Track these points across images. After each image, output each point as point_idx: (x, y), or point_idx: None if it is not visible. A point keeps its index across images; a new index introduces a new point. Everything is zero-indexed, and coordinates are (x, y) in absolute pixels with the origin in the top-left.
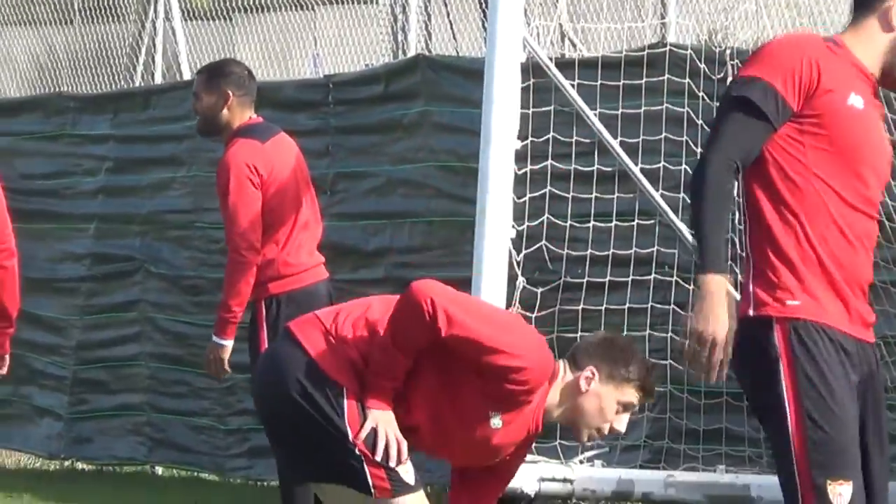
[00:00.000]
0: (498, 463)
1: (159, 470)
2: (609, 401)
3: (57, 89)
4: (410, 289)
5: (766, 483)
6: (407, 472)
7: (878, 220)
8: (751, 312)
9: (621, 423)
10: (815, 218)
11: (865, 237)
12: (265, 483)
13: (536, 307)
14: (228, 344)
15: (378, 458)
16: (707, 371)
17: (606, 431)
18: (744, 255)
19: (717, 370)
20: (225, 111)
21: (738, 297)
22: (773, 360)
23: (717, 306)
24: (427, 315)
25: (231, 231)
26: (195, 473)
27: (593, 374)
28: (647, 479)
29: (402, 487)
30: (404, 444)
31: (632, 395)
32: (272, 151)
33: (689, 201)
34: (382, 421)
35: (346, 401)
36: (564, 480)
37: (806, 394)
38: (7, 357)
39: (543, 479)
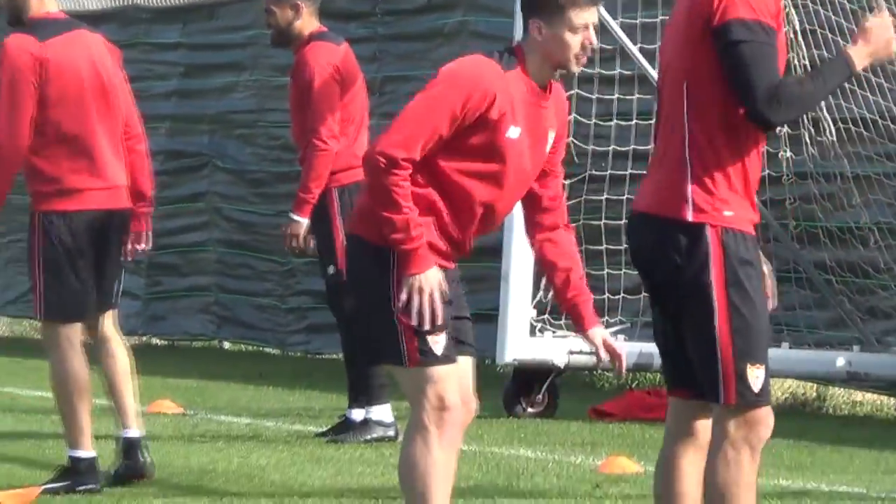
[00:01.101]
0: (546, 176)
1: (227, 345)
2: (563, 32)
3: (132, 2)
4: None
5: (771, 355)
6: (436, 343)
7: None
8: (689, 217)
9: (590, 38)
10: (747, 135)
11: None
12: (322, 356)
13: (565, 196)
14: (305, 221)
15: (413, 323)
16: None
17: (586, 52)
18: (673, 154)
19: None
20: (298, 21)
21: None
22: (704, 258)
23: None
24: (380, 165)
25: (315, 122)
26: (259, 348)
27: (538, 25)
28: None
29: (431, 358)
30: (438, 307)
31: (575, 16)
32: (346, 55)
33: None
34: (416, 286)
35: (391, 273)
36: (591, 353)
37: (732, 286)
38: (149, 234)
39: (572, 353)
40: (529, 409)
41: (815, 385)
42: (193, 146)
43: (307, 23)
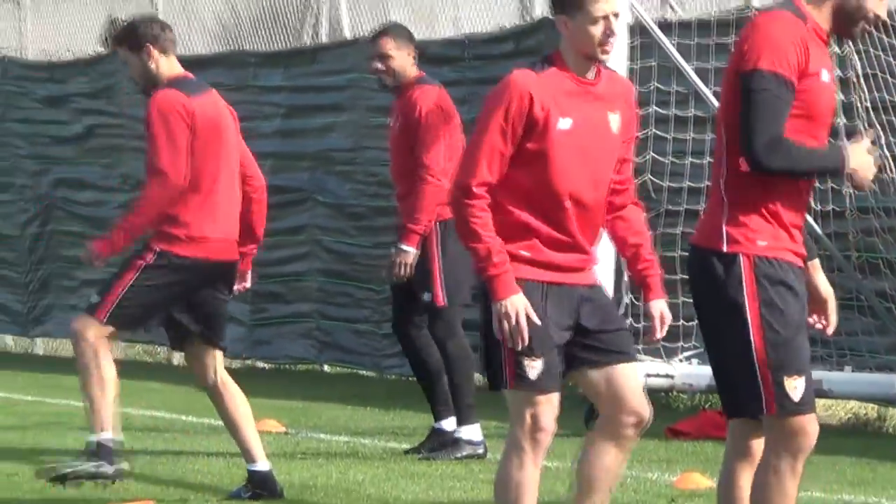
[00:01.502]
0: (619, 161)
1: (326, 368)
2: (585, 24)
3: (239, 47)
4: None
5: (835, 378)
6: (532, 368)
7: None
8: (724, 248)
9: (611, 27)
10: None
11: (810, 184)
12: (415, 378)
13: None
14: (413, 251)
15: (509, 346)
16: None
17: (610, 39)
18: (715, 191)
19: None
20: (412, 67)
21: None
22: (738, 282)
23: (859, 156)
24: (456, 198)
25: (427, 158)
26: (356, 371)
27: (563, 20)
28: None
29: (526, 382)
30: (524, 329)
31: (593, 8)
32: (446, 97)
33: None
34: (502, 311)
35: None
36: (667, 376)
37: (765, 305)
38: (251, 273)
39: (649, 375)
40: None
41: (876, 406)
42: (295, 182)
43: (412, 68)
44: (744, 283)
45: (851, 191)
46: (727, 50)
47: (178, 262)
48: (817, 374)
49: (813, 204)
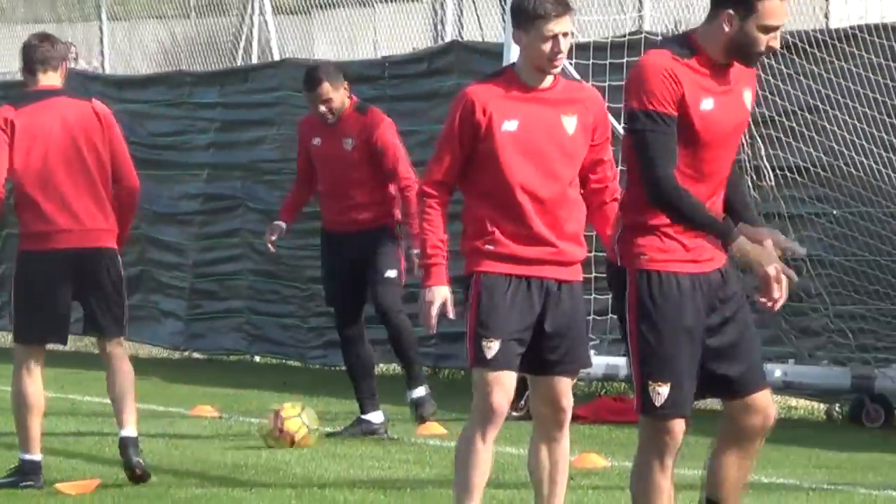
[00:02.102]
0: (593, 163)
1: (256, 358)
2: (537, 41)
3: (177, 68)
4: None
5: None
6: (489, 349)
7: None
8: (618, 263)
9: (564, 44)
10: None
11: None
12: (337, 368)
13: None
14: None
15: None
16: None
17: (559, 53)
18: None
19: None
20: (347, 98)
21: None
22: (624, 297)
23: (758, 254)
24: (417, 197)
25: (403, 169)
26: (284, 361)
27: (519, 35)
28: (628, 364)
29: (482, 362)
30: (433, 317)
31: (545, 27)
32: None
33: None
34: (424, 298)
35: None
36: None
37: (641, 316)
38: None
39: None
40: (514, 414)
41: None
42: (228, 190)
43: (347, 98)
44: (627, 296)
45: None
46: (621, 69)
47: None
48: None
49: None
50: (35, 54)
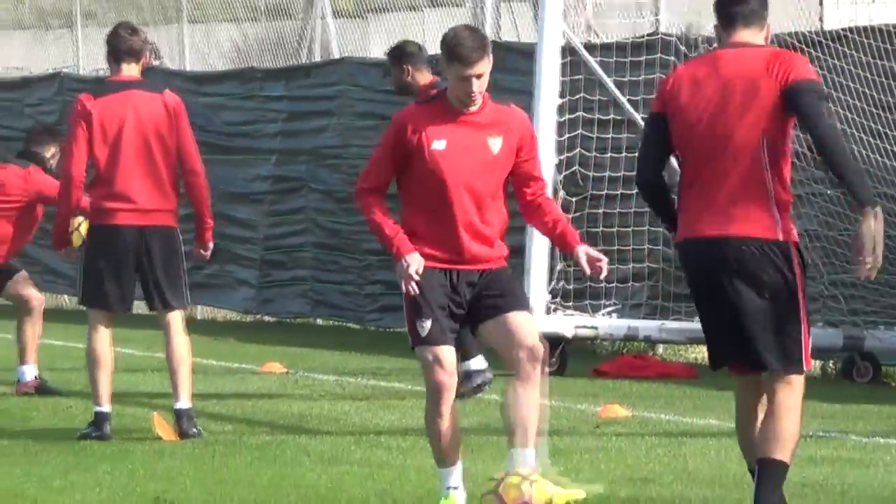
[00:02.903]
0: (525, 178)
1: (319, 321)
2: (456, 79)
3: (249, 65)
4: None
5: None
6: (422, 328)
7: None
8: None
9: (477, 85)
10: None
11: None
12: (390, 329)
13: (572, 210)
14: None
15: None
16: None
17: (472, 93)
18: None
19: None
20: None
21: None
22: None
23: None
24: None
25: None
26: (343, 323)
27: (447, 71)
28: (646, 326)
29: (415, 339)
30: (413, 277)
31: (458, 70)
32: None
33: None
34: (401, 267)
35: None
36: (592, 328)
37: (805, 283)
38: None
39: (577, 327)
40: (546, 370)
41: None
42: (294, 173)
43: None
44: (794, 266)
45: None
46: (639, 66)
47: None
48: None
49: None
50: (123, 45)
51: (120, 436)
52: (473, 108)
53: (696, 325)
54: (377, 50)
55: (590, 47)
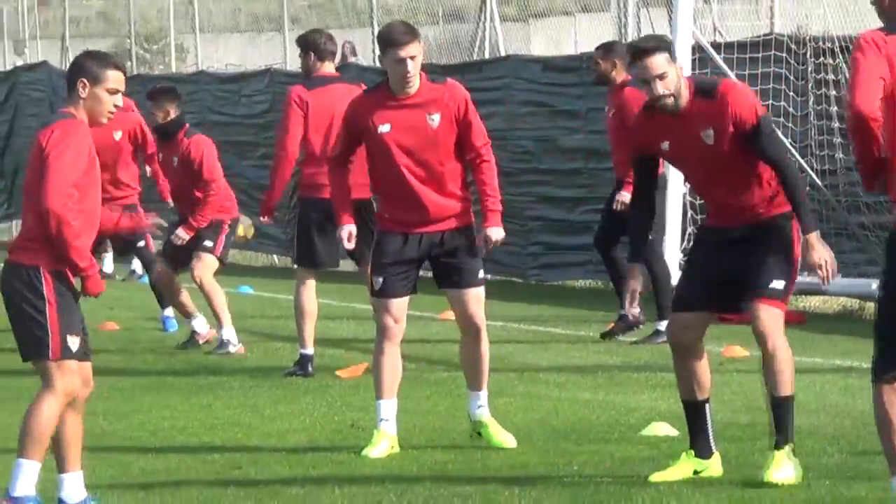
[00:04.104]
0: (463, 142)
1: (489, 276)
2: (392, 63)
3: (429, 61)
4: None
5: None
6: (377, 283)
7: None
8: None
9: (411, 65)
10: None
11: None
12: (549, 283)
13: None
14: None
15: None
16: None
17: (408, 73)
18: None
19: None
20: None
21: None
22: None
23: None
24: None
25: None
26: (508, 278)
27: (382, 58)
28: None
29: (371, 291)
30: (344, 240)
31: (393, 51)
32: None
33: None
34: (340, 233)
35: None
36: None
37: None
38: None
39: None
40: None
41: (858, 300)
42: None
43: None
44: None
45: (840, 156)
46: (757, 62)
47: None
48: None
49: (815, 163)
50: (324, 47)
51: (320, 373)
52: (411, 92)
53: (804, 279)
54: (537, 49)
55: (715, 46)
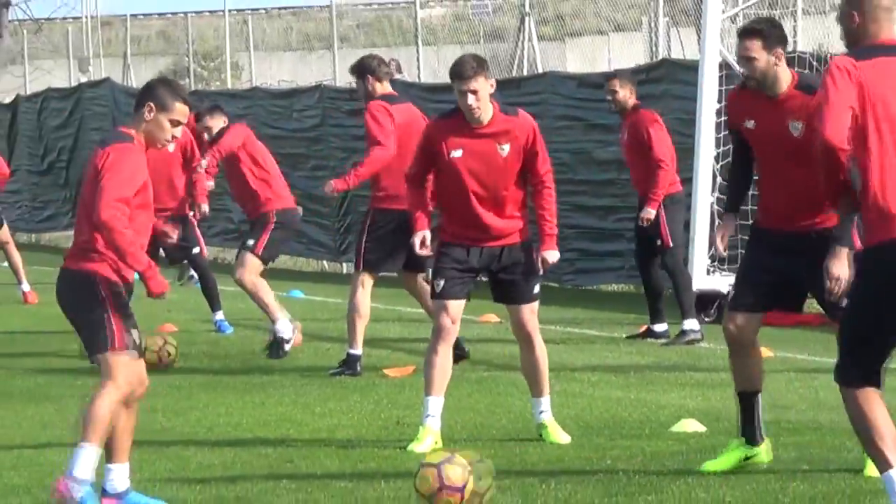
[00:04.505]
0: (529, 170)
1: None
2: (457, 94)
3: None
4: None
5: None
6: (437, 286)
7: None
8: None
9: (472, 99)
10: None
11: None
12: (582, 288)
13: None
14: (654, 212)
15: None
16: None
17: (470, 106)
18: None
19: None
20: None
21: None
22: None
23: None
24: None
25: (660, 154)
26: (545, 283)
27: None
28: None
29: (433, 293)
30: (415, 245)
31: (456, 86)
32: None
33: None
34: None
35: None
36: None
37: None
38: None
39: (730, 285)
40: (706, 319)
41: None
42: None
43: (632, 99)
44: None
45: None
46: None
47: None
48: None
49: None
50: (380, 69)
51: (367, 372)
52: (483, 121)
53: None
54: (573, 66)
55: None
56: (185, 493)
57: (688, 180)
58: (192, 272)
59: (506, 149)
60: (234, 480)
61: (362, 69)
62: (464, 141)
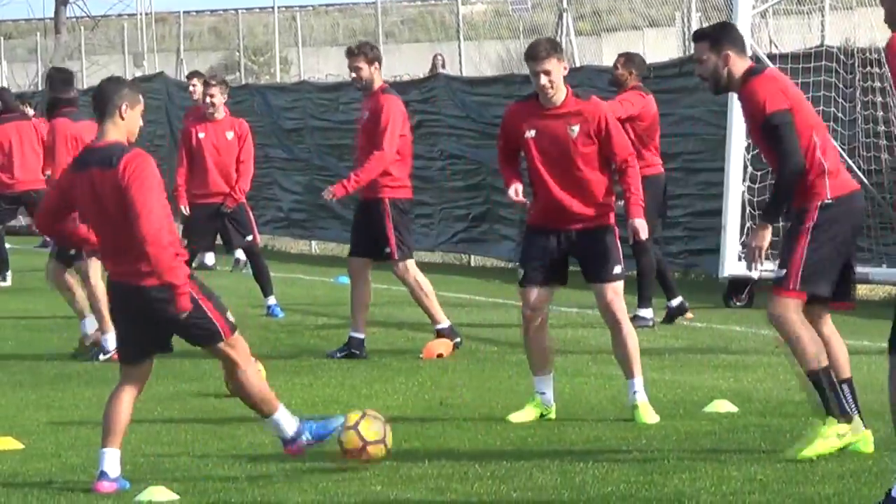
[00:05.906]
0: (607, 152)
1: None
2: (531, 75)
3: (510, 72)
4: None
5: (876, 271)
6: (520, 274)
7: None
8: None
9: (545, 80)
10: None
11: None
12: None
13: (757, 181)
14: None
15: None
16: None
17: (544, 87)
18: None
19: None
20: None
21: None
22: None
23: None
24: None
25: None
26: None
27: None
28: None
29: (518, 280)
30: (514, 197)
31: (530, 67)
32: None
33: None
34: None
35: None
36: (772, 271)
37: None
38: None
39: (762, 270)
40: (737, 303)
41: None
42: None
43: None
44: None
45: (886, 155)
46: (809, 71)
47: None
48: (865, 269)
49: (862, 164)
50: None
51: (411, 354)
52: (556, 102)
53: (861, 269)
54: (609, 60)
55: (771, 57)
56: (236, 471)
57: (720, 170)
58: (241, 257)
59: (575, 130)
60: (284, 459)
61: (372, 58)
62: (537, 122)
